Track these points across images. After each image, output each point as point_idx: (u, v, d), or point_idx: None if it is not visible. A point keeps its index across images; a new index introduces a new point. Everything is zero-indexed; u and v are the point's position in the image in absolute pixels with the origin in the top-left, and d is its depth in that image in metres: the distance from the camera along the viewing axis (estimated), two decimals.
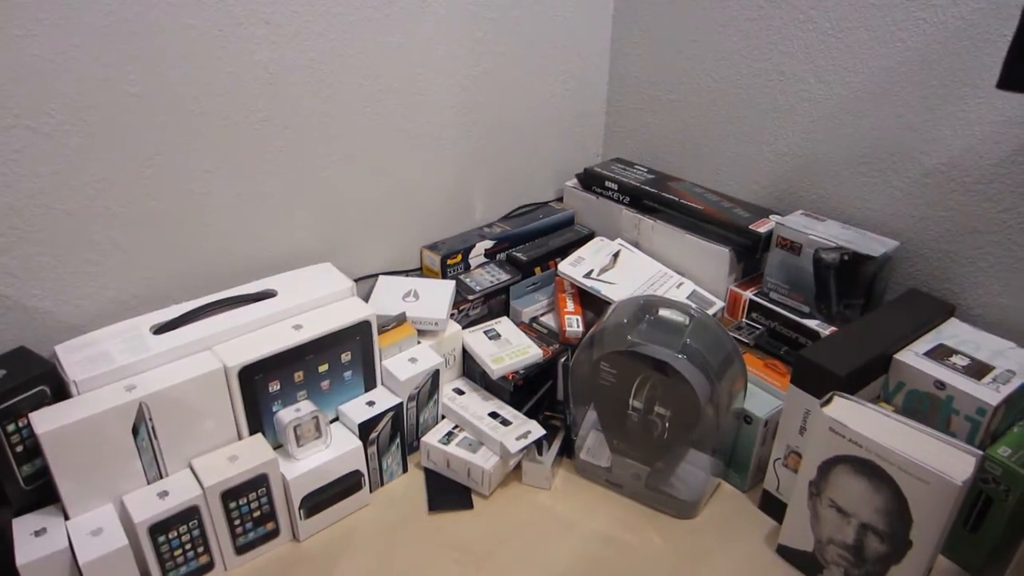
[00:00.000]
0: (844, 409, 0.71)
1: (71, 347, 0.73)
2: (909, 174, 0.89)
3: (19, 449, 0.69)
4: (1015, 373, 0.76)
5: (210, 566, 0.76)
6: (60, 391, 0.70)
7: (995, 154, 0.81)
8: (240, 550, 0.77)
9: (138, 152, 0.77)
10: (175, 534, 0.72)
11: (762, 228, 0.96)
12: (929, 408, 0.77)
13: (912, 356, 0.79)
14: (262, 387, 0.78)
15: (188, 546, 0.73)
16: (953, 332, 0.82)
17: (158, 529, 0.70)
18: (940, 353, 0.79)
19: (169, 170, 0.80)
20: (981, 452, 0.65)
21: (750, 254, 0.98)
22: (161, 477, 0.74)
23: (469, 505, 0.86)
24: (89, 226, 0.76)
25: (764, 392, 0.86)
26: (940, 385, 0.76)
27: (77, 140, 0.73)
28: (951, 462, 0.64)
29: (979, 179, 0.83)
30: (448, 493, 0.87)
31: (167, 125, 0.78)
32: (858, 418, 0.70)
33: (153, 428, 0.71)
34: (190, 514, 0.72)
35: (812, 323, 0.90)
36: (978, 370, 0.76)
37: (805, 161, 0.99)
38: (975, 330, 0.83)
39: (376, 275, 1.03)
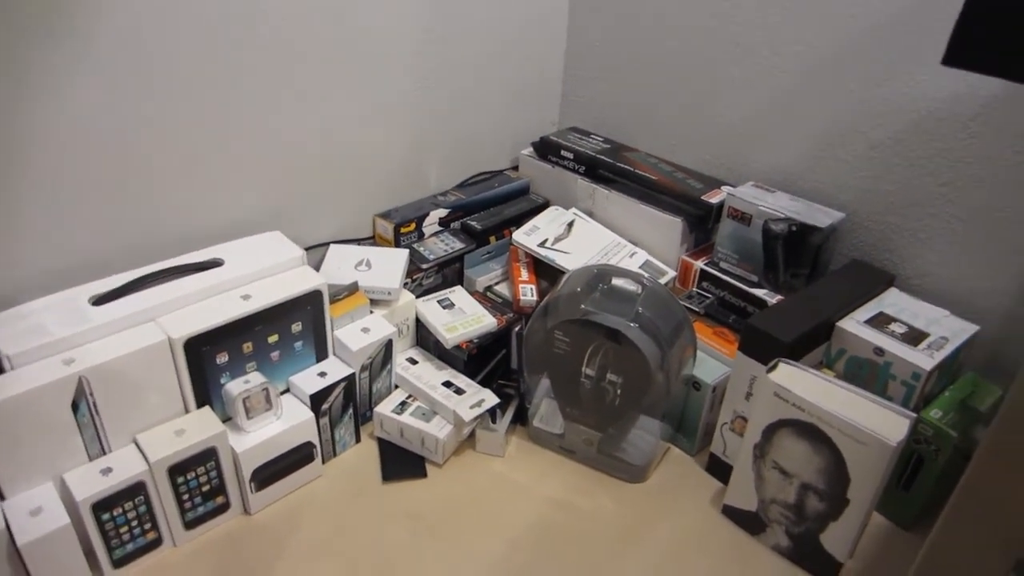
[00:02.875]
0: (788, 375, 0.73)
1: (2, 319, 0.70)
2: (856, 148, 0.91)
3: None
4: (948, 340, 0.79)
5: (158, 542, 0.75)
6: None
7: (938, 130, 0.83)
8: (189, 525, 0.76)
9: (71, 110, 0.73)
10: (120, 511, 0.70)
11: (714, 199, 0.97)
12: (868, 373, 0.80)
13: (853, 324, 0.81)
14: (209, 359, 0.76)
15: (135, 523, 0.71)
16: (893, 301, 0.86)
17: (102, 506, 0.68)
18: (880, 321, 0.82)
19: (106, 130, 0.76)
20: (915, 415, 0.69)
21: (702, 224, 0.99)
22: (104, 453, 0.72)
23: (423, 474, 0.86)
24: (16, 189, 0.72)
25: (712, 359, 0.89)
26: (879, 351, 0.79)
27: (2, 92, 0.68)
28: (887, 424, 0.67)
29: (922, 154, 0.85)
30: (402, 462, 0.87)
31: (103, 82, 0.74)
32: (801, 383, 0.72)
33: (94, 403, 0.69)
34: (136, 490, 0.70)
35: (760, 292, 0.92)
36: (914, 337, 0.79)
37: (757, 133, 1.00)
38: (913, 299, 0.86)
39: (327, 244, 1.00)
